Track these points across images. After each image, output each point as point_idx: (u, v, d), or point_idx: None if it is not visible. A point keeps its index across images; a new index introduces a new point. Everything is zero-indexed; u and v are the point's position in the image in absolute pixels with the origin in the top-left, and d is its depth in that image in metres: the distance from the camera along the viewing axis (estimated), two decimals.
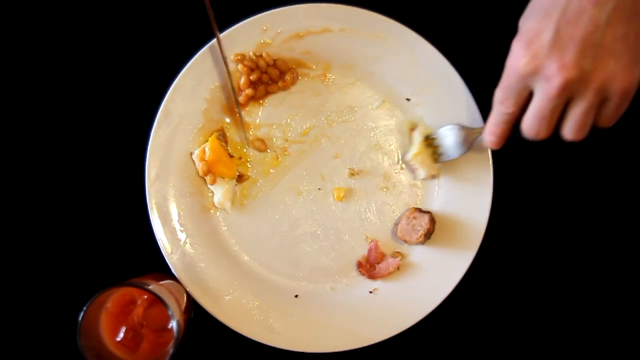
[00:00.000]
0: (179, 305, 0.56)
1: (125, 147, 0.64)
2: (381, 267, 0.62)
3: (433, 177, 0.63)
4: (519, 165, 0.65)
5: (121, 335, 0.55)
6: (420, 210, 0.62)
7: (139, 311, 0.56)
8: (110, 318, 0.55)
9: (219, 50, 0.60)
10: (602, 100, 0.47)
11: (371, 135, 0.64)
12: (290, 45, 0.62)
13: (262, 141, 0.63)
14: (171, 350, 0.52)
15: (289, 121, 0.64)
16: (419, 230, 0.61)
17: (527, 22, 0.47)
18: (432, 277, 0.62)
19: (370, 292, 0.63)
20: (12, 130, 0.64)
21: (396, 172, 0.64)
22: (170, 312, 0.52)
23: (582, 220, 0.66)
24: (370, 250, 0.63)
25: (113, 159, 0.64)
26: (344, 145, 0.64)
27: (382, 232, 0.64)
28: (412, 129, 0.63)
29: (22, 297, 0.64)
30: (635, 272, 0.66)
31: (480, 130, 0.58)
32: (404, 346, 0.64)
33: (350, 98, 0.64)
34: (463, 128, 0.60)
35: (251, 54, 0.61)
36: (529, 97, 0.50)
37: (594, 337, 0.65)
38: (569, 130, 0.49)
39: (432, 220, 0.61)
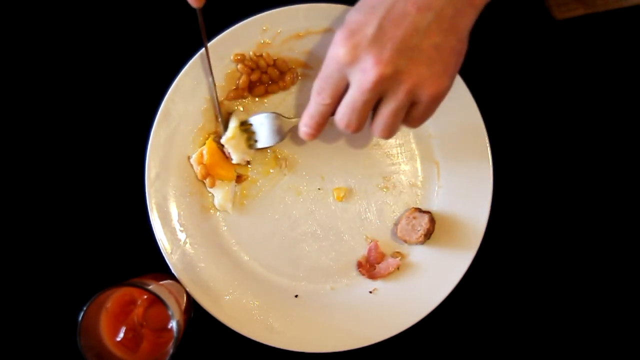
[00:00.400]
0: (179, 305, 0.56)
1: (125, 147, 0.64)
2: (381, 267, 0.62)
3: (247, 163, 0.63)
4: (519, 165, 0.65)
5: (121, 335, 0.55)
6: (420, 210, 0.62)
7: (139, 311, 0.56)
8: (110, 318, 0.55)
9: (219, 51, 0.60)
10: (411, 103, 0.49)
11: (371, 135, 0.64)
12: (290, 45, 0.62)
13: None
14: (171, 350, 0.52)
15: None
16: (419, 230, 0.61)
17: (353, 14, 0.48)
18: (432, 277, 0.62)
19: (370, 292, 0.63)
20: (12, 130, 0.64)
21: (396, 172, 0.64)
22: (170, 312, 0.52)
23: (582, 220, 0.66)
24: (370, 250, 0.63)
25: (113, 159, 0.64)
26: (344, 145, 0.64)
27: (382, 232, 0.64)
28: (230, 113, 0.63)
29: (22, 297, 0.64)
30: (635, 272, 0.66)
31: (296, 121, 0.59)
32: (404, 346, 0.64)
33: None
34: (279, 117, 0.60)
35: (251, 54, 0.61)
36: (345, 91, 0.50)
37: (594, 337, 0.65)
38: (378, 128, 0.51)
39: (432, 220, 0.61)
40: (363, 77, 0.47)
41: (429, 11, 0.46)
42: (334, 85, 0.50)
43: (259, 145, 0.62)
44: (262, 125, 0.61)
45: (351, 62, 0.47)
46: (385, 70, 0.46)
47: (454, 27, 0.47)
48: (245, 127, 0.62)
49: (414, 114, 0.50)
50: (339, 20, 0.61)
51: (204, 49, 0.60)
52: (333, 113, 0.52)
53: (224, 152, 0.62)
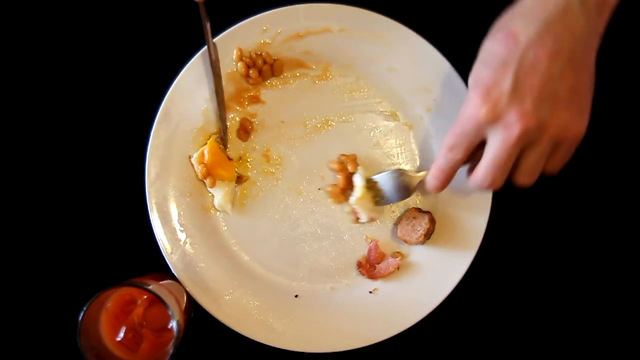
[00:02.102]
0: (179, 305, 0.56)
1: (125, 147, 0.64)
2: (381, 267, 0.62)
3: (373, 220, 0.63)
4: None
5: (121, 335, 0.55)
6: (420, 210, 0.62)
7: (139, 311, 0.56)
8: (110, 318, 0.55)
9: (219, 50, 0.60)
10: (553, 148, 0.49)
11: (371, 135, 0.64)
12: (290, 45, 0.62)
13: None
14: (171, 350, 0.52)
15: (288, 121, 0.64)
16: (419, 230, 0.61)
17: (484, 72, 0.48)
18: (432, 277, 0.62)
19: (370, 292, 0.63)
20: (12, 130, 0.64)
21: None
22: (170, 312, 0.52)
23: (582, 220, 0.66)
24: (370, 250, 0.63)
25: (113, 159, 0.64)
26: (344, 146, 0.64)
27: (382, 232, 0.64)
28: (351, 172, 0.62)
29: (22, 297, 0.64)
30: (635, 272, 0.66)
31: (421, 177, 0.58)
32: (404, 346, 0.64)
33: (349, 98, 0.64)
34: (404, 173, 0.60)
35: (252, 53, 0.61)
36: (477, 146, 0.51)
37: (594, 337, 0.65)
38: (522, 176, 0.50)
39: (432, 220, 0.61)
40: (507, 133, 0.47)
41: (560, 55, 0.46)
42: (470, 143, 0.50)
43: (385, 202, 0.62)
44: (388, 183, 0.61)
45: (492, 121, 0.47)
46: (530, 123, 0.46)
47: (584, 65, 0.47)
48: (371, 185, 0.61)
49: (555, 157, 0.50)
50: (339, 20, 0.61)
51: (204, 48, 0.60)
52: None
53: (224, 153, 0.62)
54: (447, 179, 0.54)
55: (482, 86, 0.47)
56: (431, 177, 0.55)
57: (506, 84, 0.46)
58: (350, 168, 0.62)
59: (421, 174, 0.59)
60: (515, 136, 0.46)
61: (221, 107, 0.61)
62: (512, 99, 0.46)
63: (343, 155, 0.63)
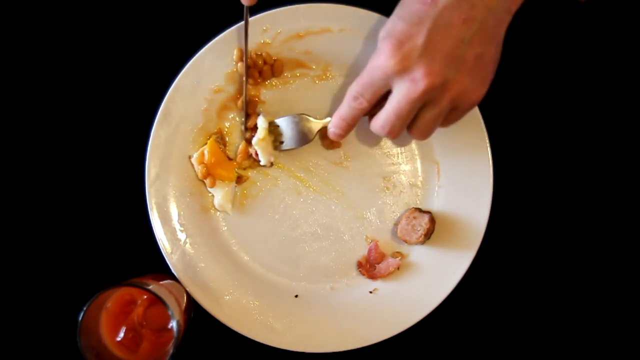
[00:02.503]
0: (179, 305, 0.56)
1: (125, 147, 0.64)
2: (381, 267, 0.62)
3: (271, 164, 0.63)
4: (519, 165, 0.65)
5: (121, 335, 0.55)
6: (420, 210, 0.62)
7: (139, 311, 0.56)
8: (110, 318, 0.55)
9: (219, 50, 0.60)
10: (450, 108, 0.51)
11: (371, 135, 0.64)
12: (290, 45, 0.62)
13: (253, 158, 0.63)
14: (171, 350, 0.52)
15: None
16: (419, 230, 0.61)
17: (399, 24, 0.49)
18: (432, 277, 0.62)
19: (370, 292, 0.63)
20: (12, 130, 0.64)
21: (396, 172, 0.64)
22: (170, 312, 0.52)
23: (582, 220, 0.66)
24: (370, 250, 0.63)
25: (113, 159, 0.64)
26: (344, 146, 0.64)
27: (382, 232, 0.64)
28: (251, 114, 0.63)
29: (22, 297, 0.64)
30: (635, 272, 0.66)
31: (323, 124, 0.60)
32: (404, 346, 0.64)
33: None
34: (306, 119, 0.61)
35: (252, 54, 0.61)
36: (381, 97, 0.52)
37: (594, 337, 0.65)
38: (418, 132, 0.53)
39: (432, 220, 0.61)
40: (412, 86, 0.48)
41: (473, 22, 0.47)
42: (375, 92, 0.52)
43: (285, 146, 0.62)
44: (289, 127, 0.61)
45: (400, 72, 0.49)
46: (435, 81, 0.48)
47: (494, 36, 0.49)
48: (273, 128, 0.62)
49: (449, 118, 0.53)
50: (339, 20, 0.61)
51: (203, 48, 0.60)
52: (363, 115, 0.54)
53: (225, 153, 0.62)
54: (348, 128, 0.56)
55: (395, 38, 0.49)
56: (333, 125, 0.57)
57: (419, 39, 0.48)
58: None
59: (323, 120, 0.60)
60: (420, 91, 0.48)
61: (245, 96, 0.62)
62: (423, 55, 0.48)
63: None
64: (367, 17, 0.60)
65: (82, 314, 0.50)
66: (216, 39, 0.60)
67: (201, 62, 0.60)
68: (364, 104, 0.53)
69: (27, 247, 0.64)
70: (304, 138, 0.61)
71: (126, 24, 0.65)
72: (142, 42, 0.65)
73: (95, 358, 0.52)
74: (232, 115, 0.63)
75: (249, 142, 0.62)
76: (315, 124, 0.61)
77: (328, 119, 0.59)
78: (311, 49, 0.62)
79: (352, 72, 0.63)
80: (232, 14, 0.60)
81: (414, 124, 0.52)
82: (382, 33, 0.51)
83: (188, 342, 0.64)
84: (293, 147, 0.62)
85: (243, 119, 0.62)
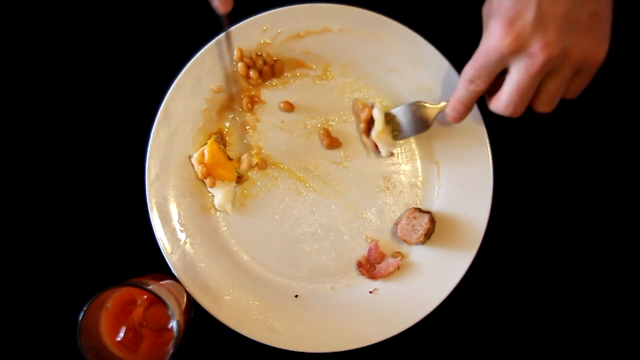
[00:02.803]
0: (179, 305, 0.56)
1: (125, 147, 0.64)
2: (381, 267, 0.62)
3: (391, 154, 0.63)
4: (519, 165, 0.65)
5: (121, 335, 0.55)
6: (420, 210, 0.62)
7: (139, 311, 0.56)
8: (110, 318, 0.55)
9: (219, 50, 0.60)
10: (574, 74, 0.50)
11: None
12: (290, 45, 0.62)
13: (264, 161, 0.63)
14: (171, 350, 0.52)
15: (288, 121, 0.64)
16: (419, 230, 0.61)
17: (504, 2, 0.48)
18: (432, 277, 0.62)
19: (370, 292, 0.63)
20: (12, 130, 0.64)
21: (396, 172, 0.64)
22: (170, 312, 0.52)
23: (582, 220, 0.66)
24: (370, 250, 0.63)
25: (113, 159, 0.64)
26: (344, 146, 0.64)
27: (382, 232, 0.64)
28: (364, 106, 0.63)
29: (22, 297, 0.64)
30: (635, 272, 0.66)
31: (440, 108, 0.59)
32: (404, 346, 0.64)
33: (349, 98, 0.64)
34: (422, 106, 0.60)
35: (252, 54, 0.61)
36: (498, 76, 0.51)
37: (594, 337, 0.65)
38: (543, 104, 0.52)
39: (432, 220, 0.61)
40: (531, 61, 0.47)
41: None
42: (491, 73, 0.51)
43: (404, 135, 0.62)
44: (406, 116, 0.61)
45: (517, 50, 0.47)
46: (553, 51, 0.47)
47: None
48: (390, 118, 0.62)
49: (576, 83, 0.51)
50: (339, 20, 0.61)
51: (204, 48, 0.60)
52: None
53: (225, 153, 0.62)
54: (466, 111, 0.56)
55: (505, 16, 0.47)
56: (451, 109, 0.56)
57: (529, 13, 0.47)
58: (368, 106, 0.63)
59: (440, 105, 0.59)
60: (539, 65, 0.47)
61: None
62: (536, 29, 0.46)
63: (359, 100, 0.63)
64: (367, 17, 0.61)
65: (82, 314, 0.50)
66: (216, 39, 0.60)
67: (201, 62, 0.60)
68: (480, 86, 0.52)
69: (27, 247, 0.64)
70: (422, 125, 0.61)
71: (126, 24, 0.65)
72: (142, 42, 0.65)
73: (95, 358, 0.52)
74: (232, 115, 0.63)
75: (366, 135, 0.63)
76: (432, 110, 0.60)
77: (443, 103, 0.59)
78: (311, 49, 0.62)
79: (352, 72, 0.63)
80: (232, 14, 0.60)
81: (537, 97, 0.51)
82: (487, 9, 0.50)
83: (188, 342, 0.64)
84: (412, 134, 0.62)
85: (362, 118, 0.62)
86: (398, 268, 0.62)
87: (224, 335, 0.61)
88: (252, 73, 0.61)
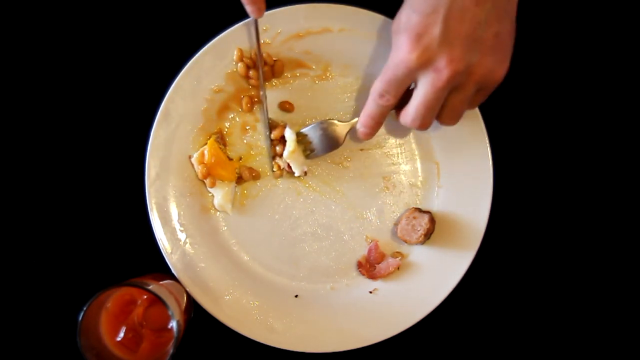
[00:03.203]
0: (179, 305, 0.56)
1: (125, 147, 0.64)
2: (381, 267, 0.62)
3: (305, 173, 0.63)
4: (519, 165, 0.65)
5: (121, 335, 0.55)
6: (420, 210, 0.62)
7: (139, 311, 0.56)
8: (110, 318, 0.55)
9: (219, 50, 0.60)
10: (476, 90, 0.51)
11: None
12: (290, 45, 0.62)
13: (252, 170, 0.63)
14: (171, 350, 0.52)
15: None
16: (419, 230, 0.61)
17: (413, 17, 0.49)
18: (432, 277, 0.62)
19: (370, 292, 0.63)
20: (12, 130, 0.64)
21: (396, 172, 0.64)
22: (170, 312, 0.52)
23: (582, 220, 0.66)
24: (370, 250, 0.63)
25: (113, 159, 0.64)
26: (344, 146, 0.64)
27: (382, 232, 0.64)
28: (275, 126, 0.63)
29: (22, 297, 0.64)
30: (635, 272, 0.66)
31: (351, 125, 0.60)
32: (404, 346, 0.64)
33: (349, 98, 0.64)
34: (332, 124, 0.61)
35: (252, 54, 0.61)
36: (406, 91, 0.53)
37: (594, 337, 0.65)
38: (448, 118, 0.53)
39: (432, 220, 0.61)
40: (437, 76, 0.49)
41: (486, 2, 0.48)
42: (400, 87, 0.52)
43: (317, 154, 0.62)
44: (317, 134, 0.62)
45: (423, 65, 0.49)
46: (459, 67, 0.48)
47: (507, 12, 0.49)
48: (301, 138, 0.62)
49: (476, 99, 0.53)
50: (339, 20, 0.61)
51: (204, 48, 0.60)
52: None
53: (225, 153, 0.62)
54: (377, 126, 0.57)
55: (412, 31, 0.49)
56: (361, 125, 0.57)
57: (436, 29, 0.48)
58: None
59: (350, 122, 0.60)
60: (445, 80, 0.49)
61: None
62: (442, 44, 0.48)
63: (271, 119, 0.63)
64: (367, 17, 0.60)
65: (82, 314, 0.50)
66: (216, 39, 0.60)
67: (201, 62, 0.60)
68: (390, 100, 0.53)
69: (27, 247, 0.64)
70: (334, 143, 0.62)
71: (126, 24, 0.65)
72: (142, 42, 0.65)
73: (95, 358, 0.52)
74: (232, 115, 0.63)
75: (279, 156, 0.62)
76: (343, 127, 0.61)
77: (355, 119, 0.59)
78: (311, 49, 0.62)
79: (352, 72, 0.63)
80: (232, 14, 0.60)
81: (442, 111, 0.53)
82: (395, 26, 0.51)
83: (188, 342, 0.64)
84: (324, 153, 0.62)
85: (268, 134, 0.62)
86: (398, 268, 0.62)
87: (224, 335, 0.61)
88: (252, 73, 0.62)
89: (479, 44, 0.48)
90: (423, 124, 0.53)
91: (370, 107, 0.55)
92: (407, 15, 0.50)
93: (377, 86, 0.54)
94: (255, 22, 0.59)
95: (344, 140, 0.61)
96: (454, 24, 0.48)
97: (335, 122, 0.61)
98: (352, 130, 0.60)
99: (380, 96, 0.53)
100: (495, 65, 0.50)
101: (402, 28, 0.50)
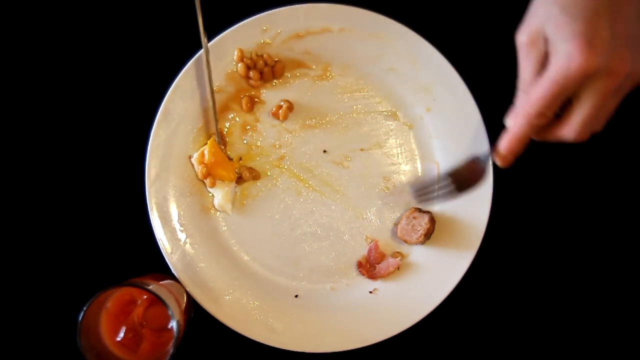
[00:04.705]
0: (179, 305, 0.56)
1: (125, 147, 0.64)
2: (381, 267, 0.62)
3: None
4: (519, 165, 0.65)
5: (121, 335, 0.55)
6: (420, 210, 0.62)
7: (139, 311, 0.56)
8: (110, 318, 0.55)
9: (219, 50, 0.60)
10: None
11: (371, 135, 0.64)
12: (290, 45, 0.62)
13: (252, 170, 0.63)
14: (171, 350, 0.52)
15: (288, 121, 0.64)
16: (419, 230, 0.61)
17: (577, 24, 0.46)
18: (432, 277, 0.62)
19: (370, 292, 0.63)
20: (12, 130, 0.64)
21: (396, 172, 0.64)
22: (170, 312, 0.52)
23: (582, 220, 0.66)
24: (370, 250, 0.63)
25: (113, 159, 0.64)
26: (344, 146, 0.64)
27: (382, 232, 0.64)
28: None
29: (22, 297, 0.64)
30: (635, 272, 0.66)
31: (490, 153, 0.57)
32: (404, 346, 0.64)
33: (349, 98, 0.64)
34: (475, 159, 0.58)
35: (253, 54, 0.61)
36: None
37: (594, 337, 0.65)
38: (601, 123, 0.50)
39: (432, 220, 0.61)
40: (610, 80, 0.46)
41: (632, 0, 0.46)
42: (562, 101, 0.48)
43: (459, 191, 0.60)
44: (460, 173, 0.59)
45: (598, 69, 0.46)
46: (628, 68, 0.46)
47: None
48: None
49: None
50: (339, 20, 0.61)
51: (204, 48, 0.60)
52: None
53: (225, 153, 0.62)
54: (522, 150, 0.52)
55: (582, 38, 0.46)
56: (509, 151, 0.52)
57: (604, 31, 0.46)
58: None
59: (488, 151, 0.58)
60: (619, 82, 0.46)
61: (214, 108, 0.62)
62: (612, 46, 0.45)
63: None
64: (367, 17, 0.61)
65: (82, 314, 0.50)
66: (216, 39, 0.60)
67: (201, 61, 0.60)
68: (549, 117, 0.49)
69: (27, 247, 0.64)
70: (479, 177, 0.59)
71: (126, 24, 0.65)
72: (142, 42, 0.65)
73: (95, 358, 0.52)
74: (232, 115, 0.63)
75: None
76: (484, 160, 0.58)
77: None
78: (311, 49, 0.62)
79: (352, 72, 0.63)
80: (232, 14, 0.60)
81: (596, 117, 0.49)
82: (534, 36, 0.48)
83: (188, 342, 0.64)
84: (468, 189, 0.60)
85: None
86: (398, 268, 0.62)
87: (224, 335, 0.61)
88: (252, 74, 0.62)
89: (636, 43, 0.46)
90: (587, 135, 0.49)
91: (523, 129, 0.49)
92: (568, 23, 0.46)
93: (534, 105, 0.48)
94: (206, 53, 0.58)
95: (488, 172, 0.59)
96: (618, 25, 0.46)
97: (478, 156, 0.58)
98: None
99: (539, 115, 0.48)
100: None
101: (561, 37, 0.46)
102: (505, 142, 0.52)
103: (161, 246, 0.61)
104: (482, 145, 0.61)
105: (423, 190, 0.62)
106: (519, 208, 0.65)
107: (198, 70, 0.61)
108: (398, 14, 0.61)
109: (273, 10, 0.60)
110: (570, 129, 0.49)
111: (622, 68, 0.46)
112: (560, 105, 0.48)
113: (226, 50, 0.61)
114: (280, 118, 0.63)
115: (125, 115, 0.64)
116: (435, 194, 0.62)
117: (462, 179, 0.59)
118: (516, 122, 0.50)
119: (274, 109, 0.63)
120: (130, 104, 0.64)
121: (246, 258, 0.64)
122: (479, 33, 0.65)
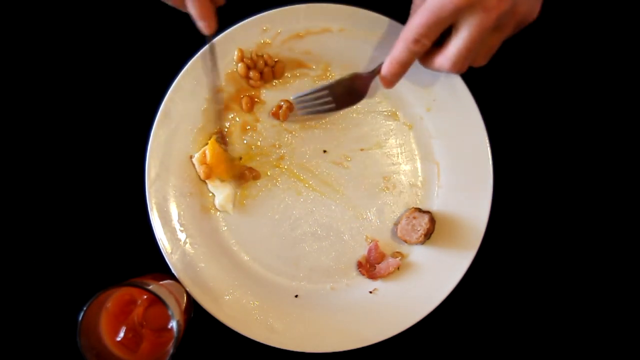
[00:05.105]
0: (179, 305, 0.56)
1: (125, 147, 0.64)
2: (381, 267, 0.62)
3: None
4: (519, 165, 0.65)
5: (121, 335, 0.55)
6: (420, 210, 0.62)
7: (139, 311, 0.56)
8: (110, 318, 0.55)
9: (219, 50, 0.60)
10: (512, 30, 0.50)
11: (371, 135, 0.64)
12: (290, 45, 0.62)
13: (252, 170, 0.63)
14: (171, 350, 0.52)
15: (288, 121, 0.64)
16: (419, 230, 0.61)
17: None
18: (432, 277, 0.62)
19: (370, 292, 0.63)
20: (12, 130, 0.64)
21: (396, 172, 0.64)
22: (170, 312, 0.52)
23: (582, 220, 0.66)
24: (370, 250, 0.63)
25: (113, 159, 0.64)
26: (344, 146, 0.64)
27: (382, 232, 0.64)
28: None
29: (22, 297, 0.64)
30: (635, 272, 0.66)
31: (375, 73, 0.58)
32: (404, 346, 0.64)
33: None
34: (357, 75, 0.59)
35: (253, 54, 0.61)
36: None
37: (594, 337, 0.65)
38: (483, 58, 0.52)
39: (432, 220, 0.61)
40: (486, 15, 0.47)
41: None
42: (439, 31, 0.49)
43: (336, 108, 0.61)
44: (340, 89, 0.60)
45: (471, 4, 0.46)
46: (506, 6, 0.47)
47: None
48: (320, 94, 0.61)
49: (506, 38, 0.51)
50: (339, 20, 0.61)
51: (204, 48, 0.60)
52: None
53: (226, 153, 0.62)
54: (403, 74, 0.54)
55: None
56: (389, 73, 0.54)
57: None
58: None
59: (373, 70, 0.58)
60: (494, 19, 0.47)
61: (220, 106, 0.62)
62: None
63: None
64: (367, 17, 0.60)
65: (82, 314, 0.50)
66: (216, 39, 0.60)
67: (201, 62, 0.60)
68: (425, 45, 0.50)
69: (27, 247, 0.64)
70: (357, 96, 0.61)
71: (126, 24, 0.65)
72: (142, 42, 0.65)
73: (95, 358, 0.52)
74: (232, 115, 0.63)
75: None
76: (367, 78, 0.59)
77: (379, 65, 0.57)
78: (311, 49, 0.62)
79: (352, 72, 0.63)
80: (232, 14, 0.60)
81: (478, 52, 0.51)
82: None
83: (188, 342, 0.64)
84: (346, 107, 0.61)
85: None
86: (398, 268, 0.62)
87: (224, 335, 0.61)
88: (252, 74, 0.62)
89: None
90: (463, 67, 0.50)
91: (401, 53, 0.52)
92: None
93: (411, 31, 0.50)
94: (212, 45, 0.58)
95: (367, 90, 0.60)
96: None
97: (361, 73, 0.59)
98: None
99: (415, 42, 0.50)
100: (534, 4, 0.49)
101: None
102: (387, 66, 0.53)
103: (161, 246, 0.61)
104: (482, 145, 0.61)
105: (303, 100, 0.62)
106: (519, 208, 0.65)
107: (198, 70, 0.61)
108: (398, 14, 0.61)
109: (273, 10, 0.60)
110: (445, 59, 0.51)
111: (498, 5, 0.46)
112: (438, 34, 0.49)
113: (226, 50, 0.61)
114: (280, 118, 0.63)
115: (125, 115, 0.64)
116: (324, 107, 0.62)
117: (341, 95, 0.60)
118: (397, 46, 0.52)
119: (274, 109, 0.63)
120: (130, 104, 0.64)
121: (246, 258, 0.64)
122: None
